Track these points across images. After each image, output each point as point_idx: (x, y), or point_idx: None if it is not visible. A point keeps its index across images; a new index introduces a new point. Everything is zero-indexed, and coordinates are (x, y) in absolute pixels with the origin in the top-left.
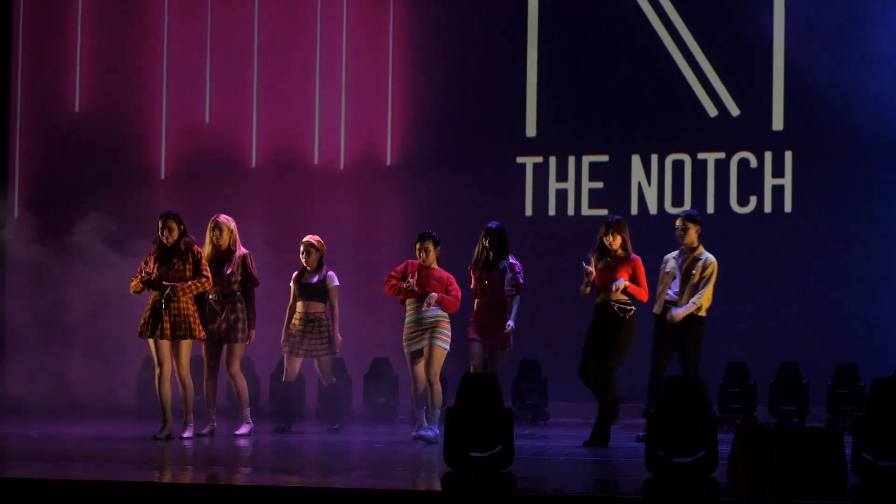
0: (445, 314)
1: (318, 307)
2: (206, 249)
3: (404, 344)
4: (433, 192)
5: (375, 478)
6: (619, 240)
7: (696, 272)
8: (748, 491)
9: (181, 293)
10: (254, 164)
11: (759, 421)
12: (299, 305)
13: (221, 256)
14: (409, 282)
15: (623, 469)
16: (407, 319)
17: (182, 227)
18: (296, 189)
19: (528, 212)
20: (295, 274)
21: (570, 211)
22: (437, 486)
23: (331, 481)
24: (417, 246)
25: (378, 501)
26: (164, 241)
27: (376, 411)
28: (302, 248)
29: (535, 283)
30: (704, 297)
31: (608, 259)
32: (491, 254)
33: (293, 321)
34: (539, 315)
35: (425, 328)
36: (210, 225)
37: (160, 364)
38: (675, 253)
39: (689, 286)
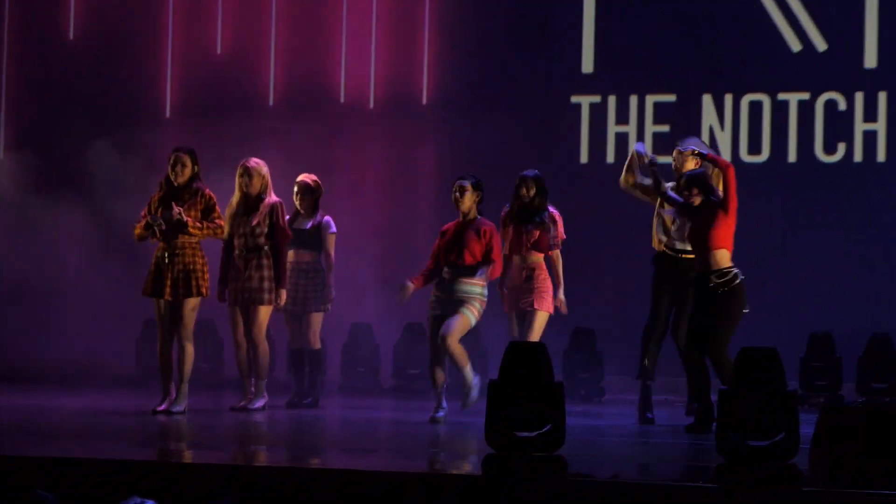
0: (484, 293)
1: (310, 256)
2: (235, 198)
3: (429, 306)
4: (474, 136)
5: (407, 460)
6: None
7: None
8: (833, 476)
9: (191, 227)
10: (271, 102)
11: (846, 400)
12: (290, 254)
13: (250, 206)
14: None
15: (690, 452)
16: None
17: (197, 167)
18: (319, 130)
19: (584, 158)
20: (287, 218)
21: None
22: (478, 470)
23: (356, 463)
24: (453, 188)
25: (411, 486)
26: (174, 179)
27: (408, 384)
28: (295, 189)
29: (592, 240)
30: None
31: (695, 216)
32: (530, 204)
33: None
34: (594, 277)
35: (458, 300)
36: (239, 170)
37: (162, 327)
38: (670, 185)
39: None
